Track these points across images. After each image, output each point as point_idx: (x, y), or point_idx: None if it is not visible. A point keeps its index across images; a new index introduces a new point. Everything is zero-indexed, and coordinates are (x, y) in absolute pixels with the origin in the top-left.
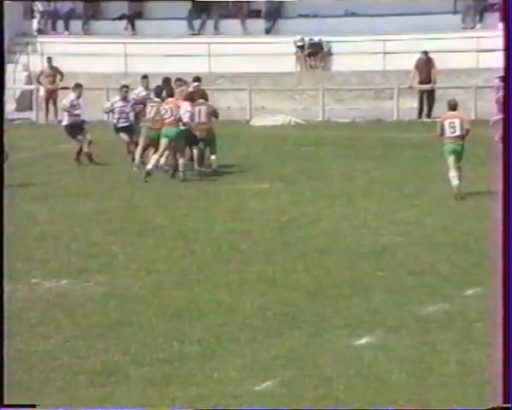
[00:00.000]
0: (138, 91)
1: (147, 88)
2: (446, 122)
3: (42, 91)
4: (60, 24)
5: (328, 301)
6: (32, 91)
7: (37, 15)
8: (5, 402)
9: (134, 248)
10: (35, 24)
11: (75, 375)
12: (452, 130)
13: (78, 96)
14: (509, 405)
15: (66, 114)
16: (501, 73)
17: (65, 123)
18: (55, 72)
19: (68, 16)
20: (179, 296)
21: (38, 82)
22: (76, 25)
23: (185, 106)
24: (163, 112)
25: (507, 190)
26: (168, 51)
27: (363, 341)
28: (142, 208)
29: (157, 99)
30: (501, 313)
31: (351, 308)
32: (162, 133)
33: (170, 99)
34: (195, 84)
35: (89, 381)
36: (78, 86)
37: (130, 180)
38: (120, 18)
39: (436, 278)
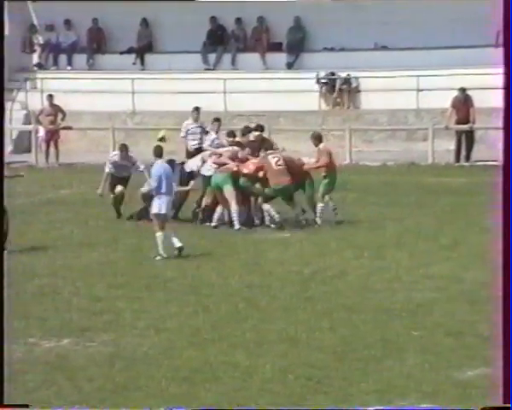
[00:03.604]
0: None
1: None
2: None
3: (42, 132)
4: (62, 58)
5: (356, 364)
6: (30, 132)
7: (38, 49)
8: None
9: (142, 303)
10: (35, 58)
11: None
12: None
13: None
14: (509, 405)
15: None
16: None
17: None
18: (56, 110)
19: (71, 50)
20: (192, 357)
21: (38, 122)
22: (80, 59)
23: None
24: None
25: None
26: (180, 88)
27: None
28: (151, 260)
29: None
30: None
31: (382, 372)
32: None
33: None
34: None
35: None
36: None
37: (138, 229)
38: (128, 51)
39: (476, 338)
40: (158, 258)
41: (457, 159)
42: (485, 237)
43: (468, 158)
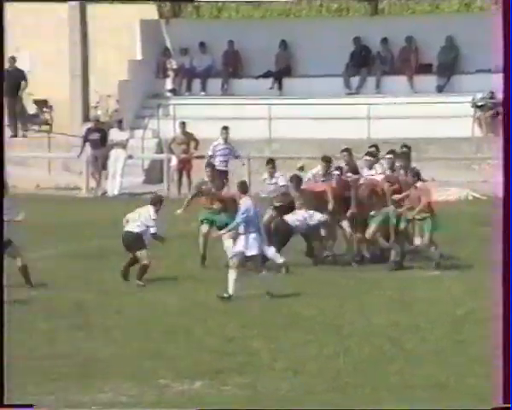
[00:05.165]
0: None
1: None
2: None
3: (174, 161)
4: (196, 83)
5: None
6: (162, 161)
7: (171, 74)
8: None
9: (279, 344)
10: (168, 84)
11: None
12: None
13: None
14: (509, 405)
15: None
16: None
17: None
18: (188, 139)
19: (206, 74)
20: (333, 401)
21: (170, 150)
22: (214, 84)
23: None
24: None
25: None
26: (320, 114)
27: None
28: (288, 297)
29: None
30: None
31: None
32: None
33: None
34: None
35: None
36: None
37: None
38: (265, 76)
39: None
40: (225, 295)
41: None
42: None
43: None
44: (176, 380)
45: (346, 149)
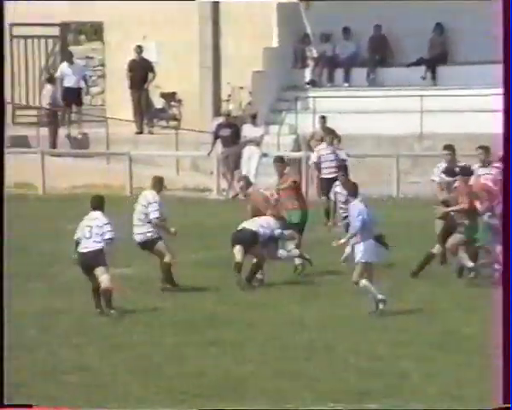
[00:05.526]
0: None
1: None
2: None
3: (313, 159)
4: (338, 73)
5: None
6: (300, 160)
7: (311, 63)
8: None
9: (433, 365)
10: (307, 74)
11: None
12: None
13: None
14: (509, 405)
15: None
16: None
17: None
18: (329, 134)
19: (350, 63)
20: None
21: (309, 148)
22: (359, 74)
23: None
24: None
25: None
26: (479, 106)
27: None
28: (444, 312)
29: None
30: None
31: None
32: None
33: None
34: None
35: None
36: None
37: (427, 275)
38: (417, 63)
39: None
40: (380, 306)
41: None
42: None
43: None
44: (316, 402)
45: (482, 147)
